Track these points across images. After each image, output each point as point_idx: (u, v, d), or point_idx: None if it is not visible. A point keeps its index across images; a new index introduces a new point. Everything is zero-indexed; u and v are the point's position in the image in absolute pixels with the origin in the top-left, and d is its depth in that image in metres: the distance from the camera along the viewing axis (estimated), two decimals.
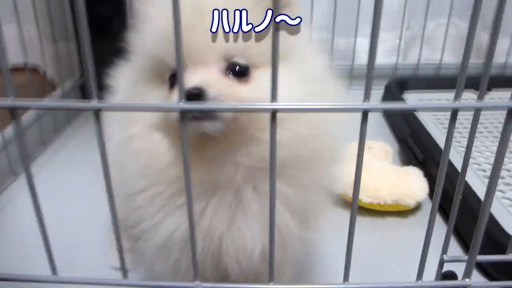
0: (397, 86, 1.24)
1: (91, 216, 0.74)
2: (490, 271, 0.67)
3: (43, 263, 0.43)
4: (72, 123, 1.23)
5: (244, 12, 0.35)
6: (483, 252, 0.44)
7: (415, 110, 0.96)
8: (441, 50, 1.37)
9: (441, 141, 0.95)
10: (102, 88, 1.39)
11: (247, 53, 0.39)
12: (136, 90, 0.45)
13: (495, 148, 0.38)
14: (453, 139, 0.38)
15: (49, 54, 1.15)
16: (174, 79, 0.41)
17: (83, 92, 1.30)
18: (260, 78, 0.40)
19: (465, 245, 0.73)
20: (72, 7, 1.19)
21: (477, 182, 0.80)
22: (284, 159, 0.40)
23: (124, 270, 0.43)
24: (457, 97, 0.36)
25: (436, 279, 0.46)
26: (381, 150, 0.95)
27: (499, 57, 1.40)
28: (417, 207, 0.83)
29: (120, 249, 0.42)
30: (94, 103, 0.34)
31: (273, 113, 0.34)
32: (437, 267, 0.45)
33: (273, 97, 0.33)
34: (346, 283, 0.42)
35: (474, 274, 0.63)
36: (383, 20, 0.32)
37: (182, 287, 0.42)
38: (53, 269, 0.44)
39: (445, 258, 0.44)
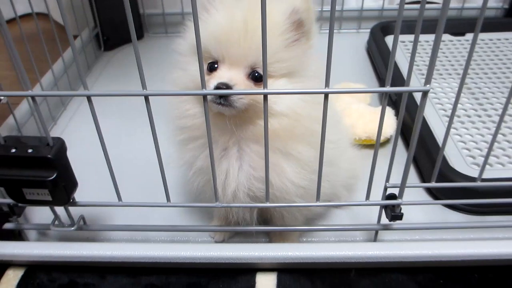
0: (381, 30, 1.38)
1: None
2: (436, 194, 0.86)
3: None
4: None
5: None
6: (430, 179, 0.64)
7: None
8: None
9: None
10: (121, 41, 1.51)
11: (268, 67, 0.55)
12: (187, 60, 0.61)
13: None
14: None
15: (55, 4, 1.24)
16: (212, 64, 0.58)
17: (98, 42, 1.44)
18: (270, 84, 0.56)
19: (421, 174, 0.93)
20: None
21: (436, 120, 0.99)
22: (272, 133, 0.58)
23: (167, 195, 0.64)
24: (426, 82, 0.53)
25: (382, 199, 0.67)
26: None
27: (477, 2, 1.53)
28: (386, 141, 1.03)
29: (164, 181, 0.62)
30: (144, 91, 0.52)
31: (265, 96, 0.52)
32: (382, 191, 0.66)
33: (264, 85, 0.51)
34: (317, 201, 0.63)
35: (425, 196, 0.84)
36: None
37: (208, 206, 0.63)
38: (119, 197, 0.65)
39: (387, 185, 0.65)
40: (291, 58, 0.56)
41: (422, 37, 1.38)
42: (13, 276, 0.74)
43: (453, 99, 1.08)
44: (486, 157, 0.65)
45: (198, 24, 0.48)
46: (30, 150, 0.58)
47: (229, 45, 0.55)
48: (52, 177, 0.58)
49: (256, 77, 0.57)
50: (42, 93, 0.81)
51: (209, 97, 0.54)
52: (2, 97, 0.81)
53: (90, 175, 0.71)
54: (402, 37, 1.39)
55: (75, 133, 1.05)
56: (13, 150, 0.58)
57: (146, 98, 0.53)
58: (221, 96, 0.55)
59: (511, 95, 0.59)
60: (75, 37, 1.33)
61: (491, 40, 1.36)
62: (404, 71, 1.17)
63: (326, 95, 0.53)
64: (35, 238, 0.80)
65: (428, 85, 0.54)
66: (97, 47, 1.44)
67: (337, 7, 1.51)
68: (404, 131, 1.02)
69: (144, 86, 0.53)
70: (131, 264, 0.71)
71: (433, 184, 0.66)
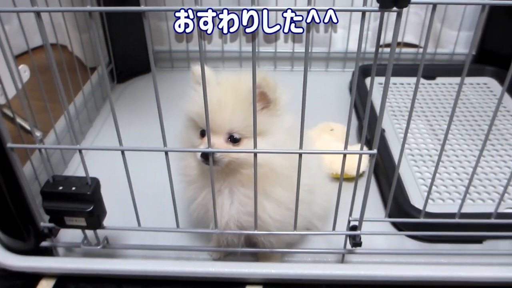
0: (361, 72, 1.56)
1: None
2: (399, 226, 1.01)
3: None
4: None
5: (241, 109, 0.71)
6: (395, 215, 0.81)
7: None
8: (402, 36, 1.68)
9: (385, 127, 1.30)
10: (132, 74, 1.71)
11: (240, 131, 0.74)
12: (185, 130, 0.81)
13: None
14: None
15: (75, 39, 1.42)
16: (202, 131, 0.77)
17: (113, 77, 1.62)
18: (245, 143, 0.75)
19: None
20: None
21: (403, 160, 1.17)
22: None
23: (177, 222, 0.81)
24: (374, 147, 0.71)
25: (347, 230, 0.84)
26: (341, 131, 1.28)
27: (448, 47, 1.72)
28: (361, 175, 1.20)
29: (175, 211, 0.80)
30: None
31: (255, 154, 0.70)
32: (347, 223, 0.84)
33: (255, 145, 0.69)
34: (294, 230, 0.81)
35: (389, 227, 1.01)
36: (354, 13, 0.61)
37: (209, 232, 0.81)
38: (139, 222, 0.83)
39: (350, 219, 0.82)
40: (261, 122, 0.69)
41: (398, 80, 1.57)
42: (46, 285, 0.91)
43: (420, 141, 1.27)
44: (427, 194, 0.83)
45: (206, 93, 0.66)
46: (73, 188, 0.75)
47: (210, 118, 0.69)
48: (90, 209, 0.75)
49: (234, 139, 0.75)
50: (88, 147, 0.98)
51: (199, 160, 0.74)
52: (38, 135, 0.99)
53: (108, 200, 0.86)
54: (379, 79, 1.57)
55: (92, 164, 1.22)
56: (60, 188, 0.75)
57: (166, 153, 0.71)
58: (206, 159, 0.73)
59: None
60: (93, 69, 1.51)
61: (457, 84, 1.55)
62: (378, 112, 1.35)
63: (300, 155, 0.71)
64: (63, 254, 0.96)
65: (375, 149, 0.72)
66: (111, 80, 1.62)
67: (325, 49, 1.71)
68: (376, 169, 1.19)
69: (165, 143, 0.70)
70: (145, 276, 0.88)
71: (384, 219, 0.84)
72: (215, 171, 0.75)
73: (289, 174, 0.78)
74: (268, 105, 0.76)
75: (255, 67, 0.63)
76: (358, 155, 0.76)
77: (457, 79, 1.55)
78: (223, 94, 0.74)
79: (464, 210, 0.87)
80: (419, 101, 1.44)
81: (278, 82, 0.76)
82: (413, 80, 0.63)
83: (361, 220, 0.80)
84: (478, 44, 1.68)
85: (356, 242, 0.82)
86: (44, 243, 0.89)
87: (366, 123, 0.73)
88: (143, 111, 1.46)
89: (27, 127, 0.99)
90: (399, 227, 1.02)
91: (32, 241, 0.88)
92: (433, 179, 0.82)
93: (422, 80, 1.56)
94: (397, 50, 1.70)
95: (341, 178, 0.78)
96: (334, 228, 0.82)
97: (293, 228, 0.81)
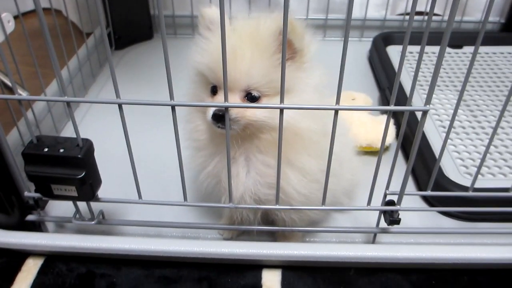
0: (382, 40, 1.44)
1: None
2: (431, 201, 0.91)
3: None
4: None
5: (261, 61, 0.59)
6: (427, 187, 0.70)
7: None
8: (426, 2, 1.55)
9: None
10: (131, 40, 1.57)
11: (259, 88, 0.61)
12: (193, 86, 0.68)
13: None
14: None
15: (71, 2, 1.29)
16: (213, 88, 0.64)
17: (111, 42, 1.49)
18: (265, 103, 0.62)
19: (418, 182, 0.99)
20: None
21: (433, 131, 1.05)
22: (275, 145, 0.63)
23: (185, 195, 0.69)
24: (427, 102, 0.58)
25: (382, 205, 0.72)
26: (363, 101, 1.17)
27: (474, 15, 1.59)
28: (385, 149, 1.08)
29: (183, 182, 0.67)
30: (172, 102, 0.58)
31: (281, 110, 0.57)
32: (382, 197, 0.72)
33: (282, 100, 0.57)
34: (323, 205, 0.69)
35: (421, 203, 0.90)
36: None
37: (223, 207, 0.69)
38: (139, 195, 0.70)
39: (387, 192, 0.70)
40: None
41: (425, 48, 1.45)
42: (33, 264, 0.79)
43: (450, 111, 1.15)
44: (478, 168, 0.71)
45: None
46: (61, 150, 0.63)
47: (221, 74, 0.59)
48: (81, 176, 0.63)
49: (252, 97, 0.62)
50: (76, 99, 0.84)
51: (210, 122, 0.62)
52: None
53: (104, 171, 0.76)
54: (400, 48, 1.45)
55: (88, 131, 1.10)
56: (46, 149, 0.63)
57: (173, 108, 0.58)
58: (218, 121, 0.61)
59: (505, 107, 0.64)
60: (89, 34, 1.38)
61: (486, 53, 1.42)
62: (404, 83, 1.22)
63: (336, 112, 0.58)
64: (53, 230, 0.84)
65: (428, 105, 0.60)
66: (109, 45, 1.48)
67: (341, 16, 1.57)
68: (403, 142, 1.08)
69: (172, 97, 0.58)
70: (146, 257, 0.77)
71: (429, 192, 0.71)
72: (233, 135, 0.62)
73: (317, 140, 0.66)
74: (293, 55, 0.63)
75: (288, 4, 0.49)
76: (384, 126, 0.63)
77: (485, 48, 1.44)
78: (239, 43, 0.61)
79: (502, 185, 0.78)
80: (447, 71, 1.33)
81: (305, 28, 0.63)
82: (438, 49, 0.54)
83: (401, 193, 0.68)
84: (507, 12, 1.56)
85: (394, 219, 0.70)
86: (31, 217, 0.77)
87: (394, 100, 0.60)
88: (143, 79, 1.34)
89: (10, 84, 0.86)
90: (433, 203, 0.90)
91: (17, 214, 0.76)
92: (485, 152, 0.69)
93: (448, 49, 1.44)
94: (420, 18, 1.57)
95: (382, 142, 0.65)
96: (369, 203, 0.70)
97: (320, 203, 0.69)
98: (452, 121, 0.66)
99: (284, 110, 0.57)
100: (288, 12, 0.51)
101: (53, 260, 0.80)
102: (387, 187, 0.70)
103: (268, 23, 0.62)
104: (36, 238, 0.77)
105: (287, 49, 0.59)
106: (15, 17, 1.18)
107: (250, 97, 0.62)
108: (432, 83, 0.58)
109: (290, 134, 0.63)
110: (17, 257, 0.80)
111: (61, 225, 0.85)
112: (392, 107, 0.60)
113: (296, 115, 0.63)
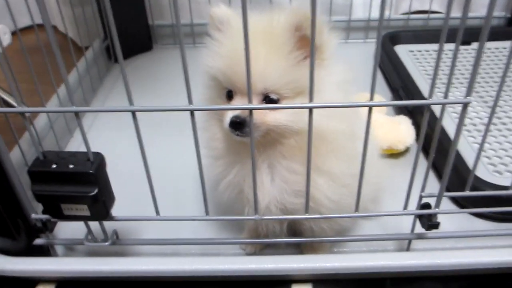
0: (389, 40, 1.40)
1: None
2: (461, 202, 0.87)
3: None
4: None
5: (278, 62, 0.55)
6: (456, 189, 0.64)
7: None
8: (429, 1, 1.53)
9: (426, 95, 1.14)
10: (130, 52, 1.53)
11: (278, 90, 0.56)
12: (207, 91, 0.64)
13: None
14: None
15: (68, 16, 1.25)
16: (229, 93, 0.59)
17: (109, 54, 1.44)
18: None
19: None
20: None
21: (453, 129, 1.00)
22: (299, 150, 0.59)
23: (206, 208, 0.64)
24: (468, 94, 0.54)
25: (417, 209, 0.67)
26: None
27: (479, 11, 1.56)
28: (406, 150, 1.03)
29: (203, 191, 0.62)
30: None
31: (310, 110, 0.53)
32: (418, 200, 0.66)
33: (311, 98, 0.52)
34: (356, 212, 0.64)
35: (449, 204, 0.85)
36: None
37: (248, 219, 0.63)
38: (157, 211, 0.65)
39: (422, 194, 0.65)
40: (304, 75, 0.53)
41: (430, 47, 1.41)
42: None
43: (469, 108, 1.11)
44: None
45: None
46: (71, 166, 0.57)
47: (236, 77, 0.56)
48: (94, 193, 0.58)
49: (271, 101, 0.57)
50: (86, 108, 0.79)
51: (227, 130, 0.57)
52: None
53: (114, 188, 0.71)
54: (410, 47, 1.42)
55: (94, 145, 1.05)
56: (54, 166, 0.58)
57: (192, 112, 0.53)
58: (236, 129, 0.56)
59: None
60: (87, 48, 1.33)
61: (497, 48, 1.39)
62: (416, 80, 1.18)
63: (370, 108, 0.54)
64: (62, 253, 0.79)
65: (469, 97, 0.55)
66: (107, 58, 1.44)
67: (344, 17, 1.54)
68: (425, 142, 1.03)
69: (190, 101, 0.53)
70: (164, 278, 0.71)
71: (468, 193, 0.67)
72: (248, 144, 0.57)
73: (345, 142, 0.61)
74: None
75: None
76: (403, 128, 0.59)
77: (493, 44, 1.40)
78: (252, 42, 0.55)
79: None
80: (458, 68, 1.29)
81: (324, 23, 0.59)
82: (447, 46, 0.53)
83: (440, 195, 0.63)
84: None
85: (432, 223, 0.65)
86: (39, 241, 0.71)
87: (432, 94, 0.56)
88: (146, 90, 1.29)
89: (12, 102, 0.82)
90: (463, 204, 0.85)
91: (24, 238, 0.71)
92: None
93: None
94: (425, 16, 1.54)
95: (421, 139, 0.61)
96: (406, 207, 0.65)
97: (350, 209, 0.64)
98: (490, 119, 0.62)
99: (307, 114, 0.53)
100: (315, 8, 0.46)
101: (65, 286, 0.74)
102: (423, 189, 0.65)
103: (282, 19, 0.57)
104: (46, 263, 0.72)
105: (305, 46, 0.55)
106: (12, 33, 1.15)
107: (269, 101, 0.57)
108: (473, 75, 0.54)
109: (316, 136, 0.58)
110: (26, 285, 0.74)
111: (71, 248, 0.80)
112: (429, 101, 0.55)
113: (323, 116, 0.58)
